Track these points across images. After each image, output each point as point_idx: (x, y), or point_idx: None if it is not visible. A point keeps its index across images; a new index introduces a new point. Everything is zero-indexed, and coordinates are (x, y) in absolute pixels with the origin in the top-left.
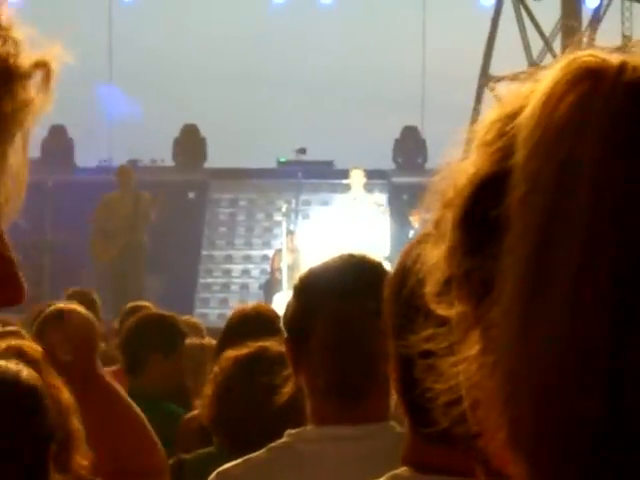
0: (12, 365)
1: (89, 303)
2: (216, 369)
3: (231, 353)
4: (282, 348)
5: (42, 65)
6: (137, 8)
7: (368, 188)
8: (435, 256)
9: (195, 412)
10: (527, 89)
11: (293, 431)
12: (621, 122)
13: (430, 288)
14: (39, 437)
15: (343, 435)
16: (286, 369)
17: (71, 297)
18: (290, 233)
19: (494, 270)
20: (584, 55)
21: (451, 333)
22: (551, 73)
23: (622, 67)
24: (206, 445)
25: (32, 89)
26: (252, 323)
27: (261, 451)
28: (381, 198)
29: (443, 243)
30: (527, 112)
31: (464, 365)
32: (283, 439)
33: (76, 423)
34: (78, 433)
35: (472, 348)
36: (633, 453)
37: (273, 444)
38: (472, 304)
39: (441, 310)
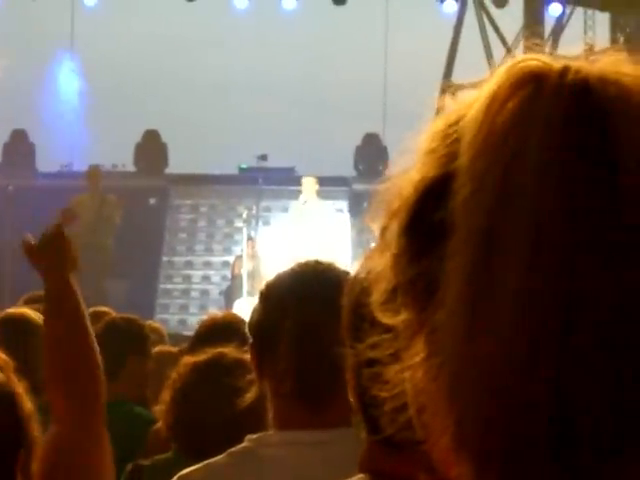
0: None
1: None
2: (174, 375)
3: (189, 359)
4: (240, 354)
5: None
6: (100, 12)
7: (328, 195)
8: (381, 265)
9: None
10: (470, 97)
11: (254, 436)
12: (564, 124)
13: (376, 297)
14: (10, 442)
15: (304, 440)
16: (243, 375)
17: (28, 302)
18: (251, 239)
19: (439, 273)
20: (527, 59)
21: (396, 341)
22: (494, 77)
23: (564, 70)
24: None
25: None
26: (221, 331)
27: (221, 456)
28: (342, 205)
29: (388, 252)
30: (471, 116)
31: (409, 372)
32: (244, 444)
33: (37, 430)
34: (38, 440)
35: (417, 355)
36: (577, 450)
37: (233, 449)
38: (417, 310)
39: (386, 319)
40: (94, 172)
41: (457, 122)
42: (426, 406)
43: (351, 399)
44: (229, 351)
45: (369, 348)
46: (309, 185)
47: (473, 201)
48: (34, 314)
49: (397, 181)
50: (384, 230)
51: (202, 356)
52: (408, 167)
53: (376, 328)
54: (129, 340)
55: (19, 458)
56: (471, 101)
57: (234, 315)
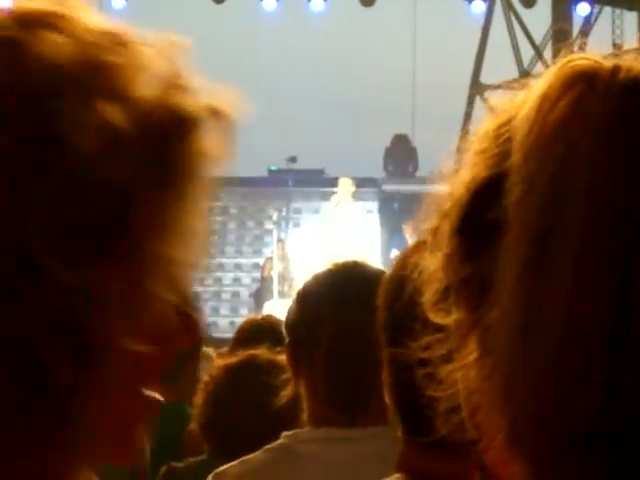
0: None
1: None
2: (206, 378)
3: (220, 361)
4: (272, 355)
5: (216, 113)
6: (128, 13)
7: (358, 196)
8: (432, 265)
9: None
10: (520, 98)
11: (289, 432)
12: (616, 123)
13: (428, 296)
14: None
15: (340, 436)
16: (276, 375)
17: None
18: (281, 241)
19: (492, 273)
20: (577, 58)
21: (449, 341)
22: (545, 77)
23: (616, 69)
24: None
25: (206, 138)
26: (261, 332)
27: (257, 452)
28: (372, 206)
29: (440, 252)
30: (523, 115)
31: (463, 371)
32: (280, 440)
33: None
34: None
35: (470, 354)
36: (629, 450)
37: (269, 445)
38: (470, 309)
39: (439, 318)
40: None
41: (507, 123)
42: (480, 406)
43: (387, 400)
44: (261, 352)
45: (423, 348)
46: (345, 186)
47: (526, 200)
48: None
49: (447, 182)
50: (435, 230)
51: (234, 358)
52: (457, 168)
53: (428, 328)
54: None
55: None
56: (521, 101)
57: (272, 316)
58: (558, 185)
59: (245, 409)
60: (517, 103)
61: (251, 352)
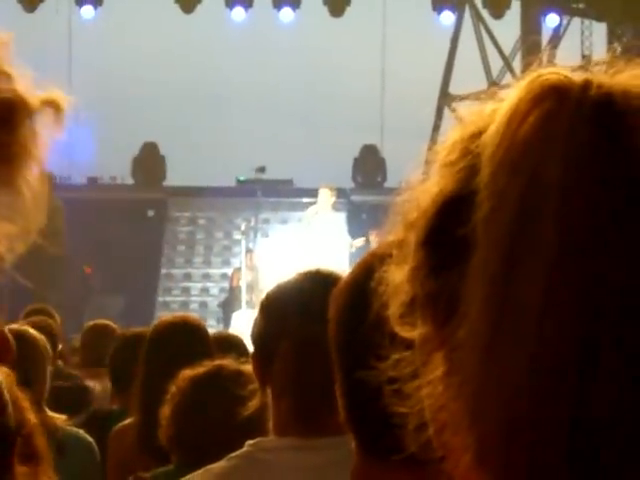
0: None
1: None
2: (173, 389)
3: (187, 373)
4: (238, 366)
5: (51, 103)
6: (96, 25)
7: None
8: (398, 277)
9: (126, 422)
10: (489, 109)
11: (253, 441)
12: (586, 140)
13: (393, 309)
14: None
15: (302, 445)
16: (243, 385)
17: (30, 314)
18: (249, 251)
19: (460, 290)
20: (548, 72)
21: (415, 356)
22: (515, 90)
23: (586, 85)
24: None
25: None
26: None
27: (221, 461)
28: (340, 216)
29: (406, 264)
30: (491, 130)
31: (429, 388)
32: (243, 448)
33: (33, 418)
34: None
35: (436, 370)
36: (602, 467)
37: (233, 454)
38: (437, 325)
39: (404, 332)
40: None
41: (476, 134)
42: (447, 424)
43: (341, 413)
44: (228, 363)
45: (392, 366)
46: (325, 196)
47: (494, 218)
48: (32, 330)
49: (413, 193)
50: (401, 242)
51: (200, 369)
52: (424, 179)
53: (395, 344)
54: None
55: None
56: (490, 114)
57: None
58: (527, 202)
59: (212, 420)
60: (485, 115)
61: (218, 363)
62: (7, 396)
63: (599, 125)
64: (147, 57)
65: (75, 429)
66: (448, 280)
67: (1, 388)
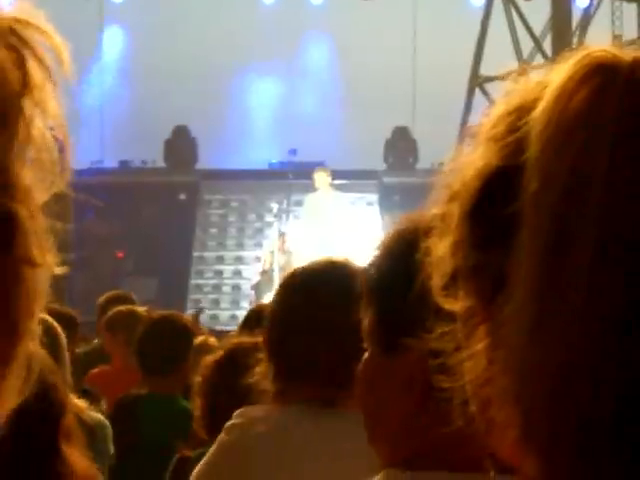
0: None
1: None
2: (198, 379)
3: (209, 359)
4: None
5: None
6: (127, 9)
7: (357, 188)
8: (441, 249)
9: None
10: (535, 83)
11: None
12: (635, 119)
13: (436, 281)
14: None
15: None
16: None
17: None
18: (281, 234)
19: (506, 267)
20: (597, 50)
21: (458, 329)
22: (564, 68)
23: (635, 63)
24: None
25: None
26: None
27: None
28: (372, 198)
29: (449, 236)
30: (540, 107)
31: (472, 361)
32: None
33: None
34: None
35: (480, 343)
36: None
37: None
38: (481, 299)
39: (447, 304)
40: None
41: (521, 108)
42: (491, 399)
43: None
44: (243, 340)
45: (437, 338)
46: (322, 178)
47: (542, 195)
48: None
49: (457, 165)
50: (445, 214)
51: (219, 353)
52: (468, 151)
53: (441, 318)
54: (186, 337)
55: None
56: (535, 86)
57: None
58: (576, 181)
59: (241, 399)
60: (531, 88)
61: (235, 341)
62: (51, 378)
63: None
64: (178, 40)
65: (97, 414)
66: (493, 255)
67: (44, 371)
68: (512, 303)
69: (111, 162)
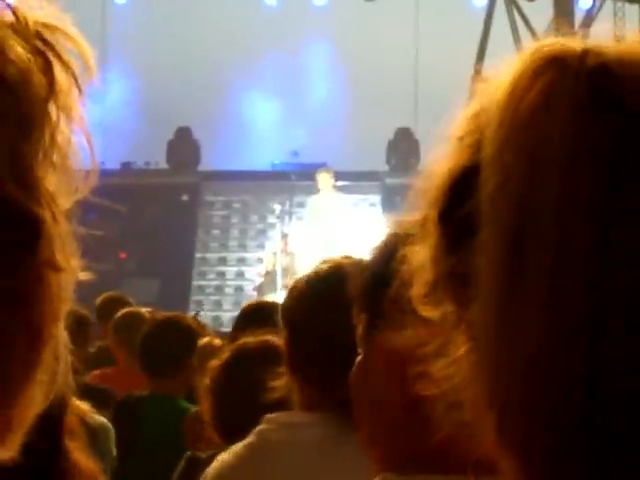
0: None
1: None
2: (206, 381)
3: (215, 362)
4: (259, 340)
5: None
6: (131, 8)
7: (360, 189)
8: (422, 256)
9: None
10: (494, 83)
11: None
12: (585, 111)
13: (417, 289)
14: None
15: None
16: (267, 364)
17: None
18: (284, 235)
19: (472, 267)
20: (548, 43)
21: (439, 336)
22: (517, 63)
23: (584, 53)
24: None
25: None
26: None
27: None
28: (374, 199)
29: (428, 242)
30: (495, 103)
31: (453, 368)
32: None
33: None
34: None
35: (459, 349)
36: (618, 443)
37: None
38: (456, 303)
39: (426, 312)
40: None
41: (483, 108)
42: (471, 401)
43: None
44: (249, 341)
45: (421, 345)
46: (325, 180)
47: (500, 194)
48: None
49: (435, 169)
50: (425, 219)
51: (225, 354)
52: (443, 155)
53: (418, 323)
54: (190, 339)
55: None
56: (495, 87)
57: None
58: (531, 177)
59: (250, 402)
60: (491, 88)
61: (242, 342)
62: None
63: (596, 95)
64: (180, 41)
65: (99, 417)
66: (463, 257)
67: None
68: (478, 302)
69: (113, 164)
